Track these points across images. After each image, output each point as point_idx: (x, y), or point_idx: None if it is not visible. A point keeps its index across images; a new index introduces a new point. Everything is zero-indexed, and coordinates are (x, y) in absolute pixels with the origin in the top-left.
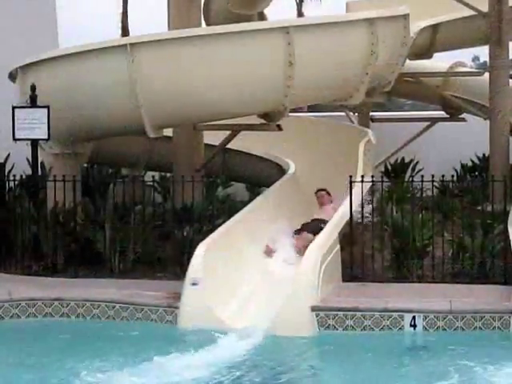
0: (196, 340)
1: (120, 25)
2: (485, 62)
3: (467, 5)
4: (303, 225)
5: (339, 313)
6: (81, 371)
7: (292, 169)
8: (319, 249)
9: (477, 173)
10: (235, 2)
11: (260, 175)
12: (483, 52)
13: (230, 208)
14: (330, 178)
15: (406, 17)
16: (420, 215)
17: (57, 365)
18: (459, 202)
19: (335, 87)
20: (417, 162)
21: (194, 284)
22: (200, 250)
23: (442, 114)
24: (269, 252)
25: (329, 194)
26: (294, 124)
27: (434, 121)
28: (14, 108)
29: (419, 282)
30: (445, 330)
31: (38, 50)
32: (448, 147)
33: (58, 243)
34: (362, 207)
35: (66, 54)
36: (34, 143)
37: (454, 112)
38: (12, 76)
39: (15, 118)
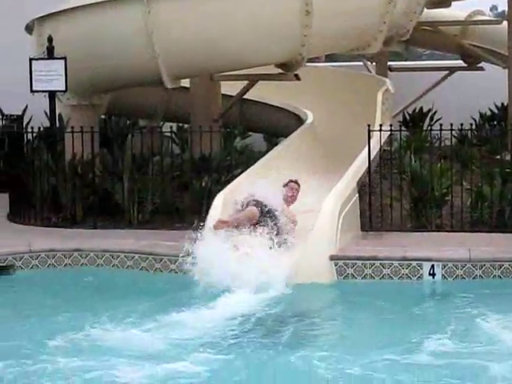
0: (214, 291)
1: None
2: (503, 11)
3: None
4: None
5: (358, 262)
6: (99, 321)
7: (310, 119)
8: (338, 198)
9: (495, 122)
10: None
11: (278, 125)
12: (502, 1)
13: (248, 158)
14: (348, 127)
15: None
16: (438, 164)
17: (76, 315)
18: (478, 151)
19: (353, 36)
20: (435, 112)
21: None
22: (218, 200)
23: (460, 63)
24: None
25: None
26: (311, 74)
27: (452, 70)
28: (31, 60)
29: (438, 231)
30: (464, 278)
31: (55, 1)
32: (466, 96)
33: (77, 195)
34: (381, 156)
35: (85, 5)
36: (52, 95)
37: (472, 61)
38: (28, 28)
39: (32, 69)
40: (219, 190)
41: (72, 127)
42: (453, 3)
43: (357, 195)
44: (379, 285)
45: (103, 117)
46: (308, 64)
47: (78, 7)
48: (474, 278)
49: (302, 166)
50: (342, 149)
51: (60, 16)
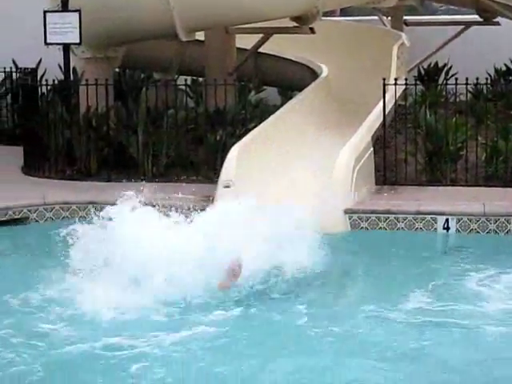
0: None
1: None
2: None
3: None
4: None
5: (372, 215)
6: None
7: (324, 72)
8: (352, 152)
9: (511, 77)
10: None
11: (292, 79)
12: None
13: (263, 112)
14: (363, 81)
15: None
16: (453, 119)
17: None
18: (493, 106)
19: None
20: (450, 67)
21: (226, 187)
22: (233, 152)
23: (476, 18)
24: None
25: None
26: (326, 28)
27: (468, 25)
28: (45, 12)
29: (452, 186)
30: (478, 232)
31: None
32: (482, 51)
33: (91, 147)
34: (395, 111)
35: None
36: (66, 48)
37: (488, 16)
38: None
39: (46, 22)
40: (234, 143)
41: (86, 80)
42: None
43: (371, 149)
44: (393, 238)
45: (117, 70)
46: (323, 18)
47: None
48: (488, 232)
49: (316, 120)
50: (356, 103)
51: None
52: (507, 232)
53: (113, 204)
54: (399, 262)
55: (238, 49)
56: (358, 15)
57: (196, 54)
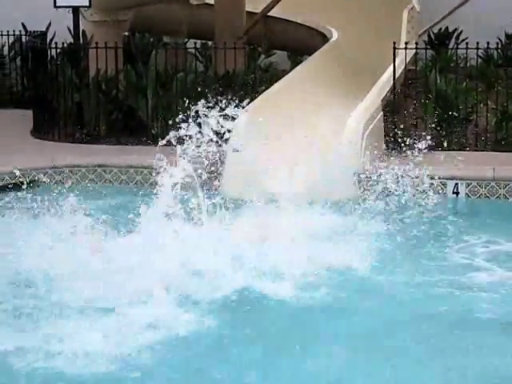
0: (239, 206)
1: None
2: None
3: None
4: None
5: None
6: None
7: (335, 36)
8: (362, 116)
9: None
10: None
11: (302, 43)
12: None
13: (272, 76)
14: (373, 45)
15: None
16: (464, 84)
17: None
18: (503, 71)
19: None
20: (461, 31)
21: (236, 150)
22: (242, 116)
23: None
24: None
25: None
26: None
27: None
28: None
29: (462, 150)
30: (487, 197)
31: None
32: (493, 16)
33: (101, 111)
34: (405, 76)
35: None
36: (75, 11)
37: None
38: None
39: None
40: (243, 107)
41: (96, 43)
42: None
43: (381, 113)
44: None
45: (127, 33)
46: None
47: None
48: (497, 197)
49: (325, 84)
50: (367, 68)
51: None
52: None
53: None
54: (402, 228)
55: (248, 12)
56: None
57: (206, 18)
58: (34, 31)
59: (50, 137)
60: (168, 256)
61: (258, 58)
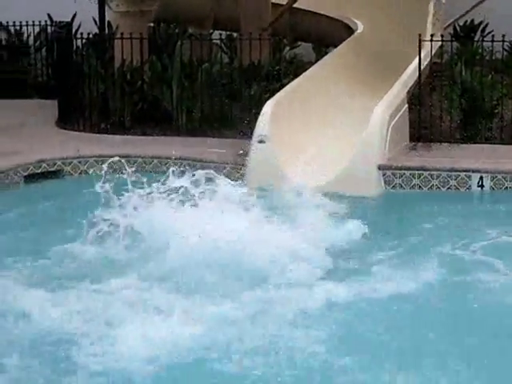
0: (263, 197)
1: None
2: None
3: None
4: None
5: (406, 172)
6: None
7: (360, 28)
8: (387, 108)
9: None
10: None
11: (327, 35)
12: None
13: (297, 68)
14: (398, 37)
15: None
16: (489, 76)
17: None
18: None
19: None
20: (486, 24)
21: (261, 142)
22: (267, 107)
23: None
24: None
25: None
26: None
27: None
28: None
29: (487, 143)
30: None
31: None
32: None
33: (126, 102)
34: (431, 67)
35: None
36: (101, 1)
37: None
38: None
39: None
40: (268, 99)
41: (121, 34)
42: None
43: (406, 105)
44: (427, 195)
45: (152, 24)
46: None
47: None
48: None
49: (350, 76)
50: (392, 59)
51: None
52: None
53: None
54: (429, 221)
55: (274, 4)
56: None
57: (231, 9)
58: (60, 21)
59: (75, 127)
60: None
61: (283, 50)
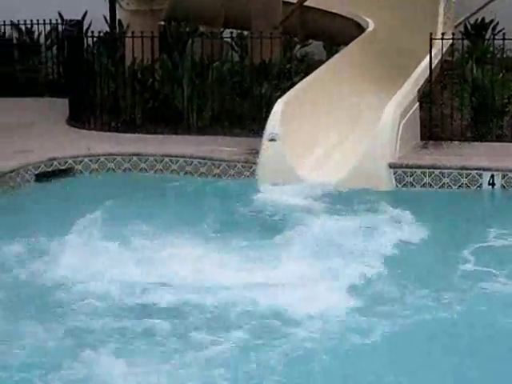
0: (273, 192)
1: None
2: None
3: None
4: None
5: (417, 170)
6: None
7: (371, 27)
8: (398, 106)
9: None
10: None
11: (338, 33)
12: None
13: (308, 66)
14: (409, 36)
15: None
16: (500, 75)
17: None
18: None
19: None
20: (497, 22)
21: (271, 140)
22: (278, 106)
23: None
24: None
25: None
26: None
27: None
28: None
29: (498, 142)
30: None
31: None
32: None
33: (136, 100)
34: (442, 65)
35: None
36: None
37: None
38: None
39: None
40: (279, 97)
41: (132, 32)
42: None
43: (417, 104)
44: (438, 193)
45: (163, 22)
46: None
47: None
48: None
49: (361, 74)
50: (403, 58)
51: None
52: None
53: None
54: (439, 219)
55: (284, 2)
56: None
57: (242, 7)
58: (71, 20)
59: (86, 125)
60: None
61: (294, 48)
